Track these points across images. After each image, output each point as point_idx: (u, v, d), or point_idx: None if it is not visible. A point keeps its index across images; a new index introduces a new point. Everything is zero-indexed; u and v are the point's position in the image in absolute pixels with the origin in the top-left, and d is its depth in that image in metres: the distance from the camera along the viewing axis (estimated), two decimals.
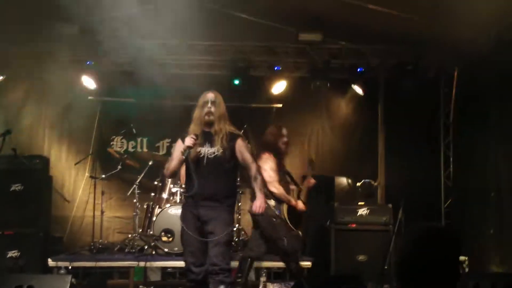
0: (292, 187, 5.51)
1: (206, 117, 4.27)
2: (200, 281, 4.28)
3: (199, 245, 4.26)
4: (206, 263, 4.25)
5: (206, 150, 4.28)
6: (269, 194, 5.13)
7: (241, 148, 4.36)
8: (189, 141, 4.18)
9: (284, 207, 5.31)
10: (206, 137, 4.30)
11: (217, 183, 4.28)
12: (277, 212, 5.23)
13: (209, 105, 4.28)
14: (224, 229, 4.22)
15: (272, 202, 5.20)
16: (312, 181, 5.64)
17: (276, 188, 5.18)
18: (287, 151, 5.54)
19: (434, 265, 1.88)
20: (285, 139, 5.41)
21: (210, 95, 4.35)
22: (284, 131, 5.46)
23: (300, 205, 5.45)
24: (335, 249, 6.56)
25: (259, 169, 4.51)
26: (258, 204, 4.36)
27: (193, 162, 4.24)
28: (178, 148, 4.32)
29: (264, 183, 4.54)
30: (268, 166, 5.17)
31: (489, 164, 6.66)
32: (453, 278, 1.89)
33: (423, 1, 5.95)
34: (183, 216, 4.40)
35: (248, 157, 4.39)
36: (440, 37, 6.52)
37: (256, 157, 5.23)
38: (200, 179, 4.21)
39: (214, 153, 4.27)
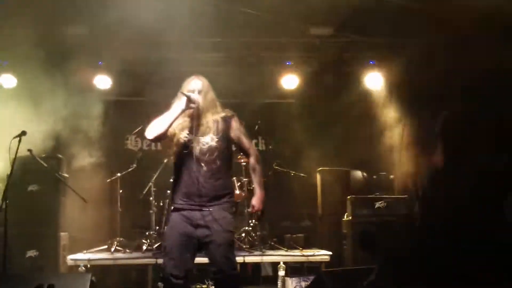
0: None
1: (192, 110, 3.74)
2: (177, 279, 3.67)
3: (184, 255, 3.66)
4: (188, 273, 3.72)
5: (198, 139, 3.73)
6: None
7: (236, 130, 3.83)
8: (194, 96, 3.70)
9: None
10: (197, 127, 3.76)
11: (213, 177, 3.72)
12: None
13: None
14: (227, 227, 3.68)
15: None
16: None
17: None
18: None
19: None
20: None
21: (196, 84, 3.82)
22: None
23: None
24: (352, 242, 6.56)
25: (258, 157, 3.93)
26: (255, 202, 3.85)
27: (183, 153, 3.71)
28: (162, 115, 3.74)
29: (262, 176, 3.93)
30: None
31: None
32: None
33: None
34: (170, 221, 3.78)
35: (245, 141, 3.88)
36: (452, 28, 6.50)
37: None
38: (193, 174, 3.68)
39: (207, 142, 3.73)
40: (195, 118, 3.76)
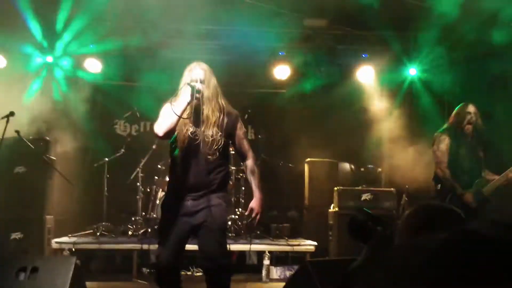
0: (492, 177, 5.02)
1: (195, 101, 3.60)
2: (171, 268, 3.65)
3: (179, 244, 3.61)
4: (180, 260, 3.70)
5: (203, 132, 3.64)
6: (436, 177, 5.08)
7: (240, 131, 3.80)
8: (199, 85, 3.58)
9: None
10: (202, 119, 3.66)
11: (216, 170, 3.68)
12: None
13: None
14: (221, 214, 3.64)
15: (438, 187, 5.08)
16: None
17: (440, 170, 5.02)
18: (471, 132, 5.04)
19: None
20: (469, 117, 4.98)
21: (198, 73, 3.68)
22: (471, 108, 5.02)
23: (467, 196, 4.89)
24: (337, 233, 6.60)
25: (255, 160, 3.90)
26: (255, 205, 3.69)
27: (187, 145, 3.65)
28: (168, 108, 3.57)
29: (260, 178, 3.86)
30: (436, 147, 5.08)
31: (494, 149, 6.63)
32: None
33: None
34: (167, 207, 3.76)
35: (245, 144, 3.84)
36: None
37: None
38: (196, 166, 3.63)
39: (212, 135, 3.65)
40: (198, 108, 3.65)
